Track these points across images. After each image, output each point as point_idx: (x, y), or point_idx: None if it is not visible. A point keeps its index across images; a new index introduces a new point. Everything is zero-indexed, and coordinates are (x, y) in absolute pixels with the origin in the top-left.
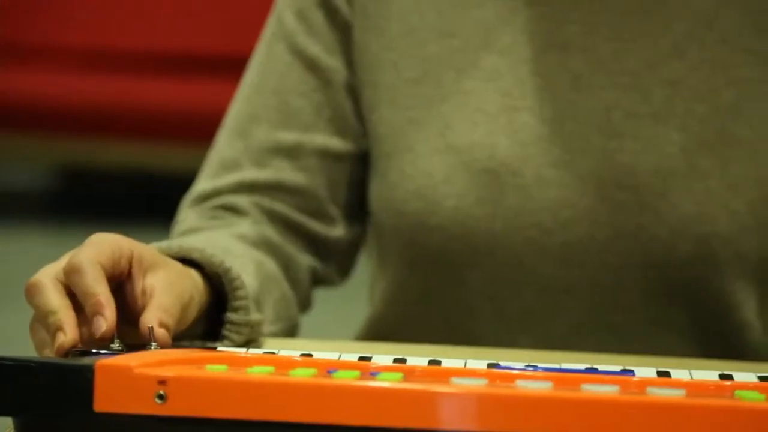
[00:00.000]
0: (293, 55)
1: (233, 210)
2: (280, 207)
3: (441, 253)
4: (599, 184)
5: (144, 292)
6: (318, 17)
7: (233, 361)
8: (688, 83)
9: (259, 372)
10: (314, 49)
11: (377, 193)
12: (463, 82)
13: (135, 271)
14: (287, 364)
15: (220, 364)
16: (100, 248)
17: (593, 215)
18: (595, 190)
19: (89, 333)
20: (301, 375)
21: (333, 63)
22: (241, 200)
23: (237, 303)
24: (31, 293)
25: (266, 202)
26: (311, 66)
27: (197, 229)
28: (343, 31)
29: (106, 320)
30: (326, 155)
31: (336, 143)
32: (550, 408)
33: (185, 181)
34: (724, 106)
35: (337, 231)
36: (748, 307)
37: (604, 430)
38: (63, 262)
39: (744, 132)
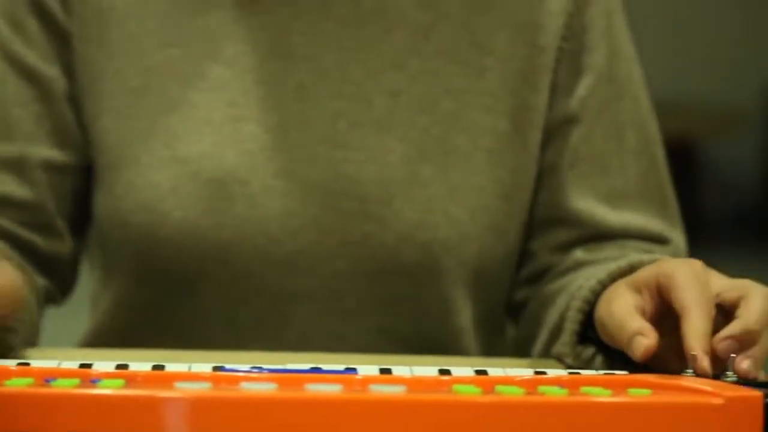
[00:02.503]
0: (9, 64)
1: None
2: (7, 223)
3: (170, 264)
4: (325, 194)
5: None
6: (33, 25)
7: None
8: (408, 94)
9: None
10: (31, 58)
11: (103, 204)
12: (188, 92)
13: None
14: (2, 374)
15: None
16: None
17: (320, 224)
18: (321, 200)
19: None
20: (17, 385)
21: (52, 72)
22: None
23: None
24: None
25: None
26: (29, 76)
27: None
28: (60, 39)
29: None
30: (50, 168)
31: (59, 155)
32: (274, 409)
33: None
34: (443, 116)
35: (65, 246)
36: (465, 314)
37: (328, 429)
38: None
39: (462, 141)
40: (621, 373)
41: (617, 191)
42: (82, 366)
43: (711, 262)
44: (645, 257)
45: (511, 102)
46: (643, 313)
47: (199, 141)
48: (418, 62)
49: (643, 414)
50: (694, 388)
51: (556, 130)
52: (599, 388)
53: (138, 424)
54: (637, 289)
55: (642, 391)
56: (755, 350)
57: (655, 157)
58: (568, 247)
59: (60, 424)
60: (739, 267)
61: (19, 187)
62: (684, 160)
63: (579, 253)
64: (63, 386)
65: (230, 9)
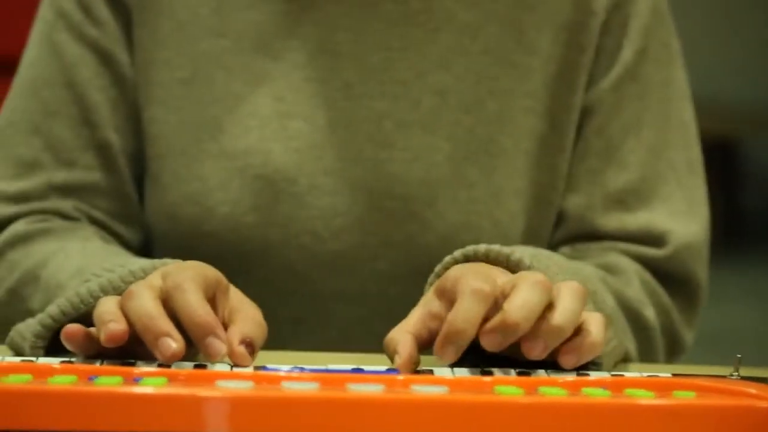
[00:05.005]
0: (83, 47)
1: (62, 215)
2: (97, 214)
3: (213, 259)
4: (370, 193)
5: (232, 311)
6: (102, 9)
7: None
8: (454, 93)
9: (15, 381)
10: (105, 41)
11: (150, 196)
12: (233, 84)
13: (220, 293)
14: (46, 372)
15: None
16: (194, 272)
17: (364, 224)
18: (366, 199)
19: (162, 355)
20: (61, 382)
21: (123, 57)
22: (63, 205)
23: None
24: (128, 297)
25: (85, 207)
26: (105, 59)
27: (62, 237)
28: (126, 23)
29: (224, 342)
30: (129, 155)
31: (134, 143)
32: (316, 409)
33: None
34: (489, 117)
35: (139, 237)
36: None
37: (370, 429)
38: (152, 281)
39: (506, 143)
40: (665, 375)
41: (624, 188)
42: (125, 364)
43: (750, 261)
44: (470, 249)
45: (551, 103)
46: (434, 318)
47: (246, 135)
48: (465, 62)
49: (687, 417)
50: (739, 391)
51: (578, 122)
52: (643, 390)
53: (180, 422)
54: (439, 294)
55: (686, 393)
56: (539, 333)
57: (676, 158)
58: (559, 244)
59: (102, 421)
60: None
61: (106, 175)
62: (725, 159)
63: (565, 251)
64: (106, 384)
65: (280, 2)
